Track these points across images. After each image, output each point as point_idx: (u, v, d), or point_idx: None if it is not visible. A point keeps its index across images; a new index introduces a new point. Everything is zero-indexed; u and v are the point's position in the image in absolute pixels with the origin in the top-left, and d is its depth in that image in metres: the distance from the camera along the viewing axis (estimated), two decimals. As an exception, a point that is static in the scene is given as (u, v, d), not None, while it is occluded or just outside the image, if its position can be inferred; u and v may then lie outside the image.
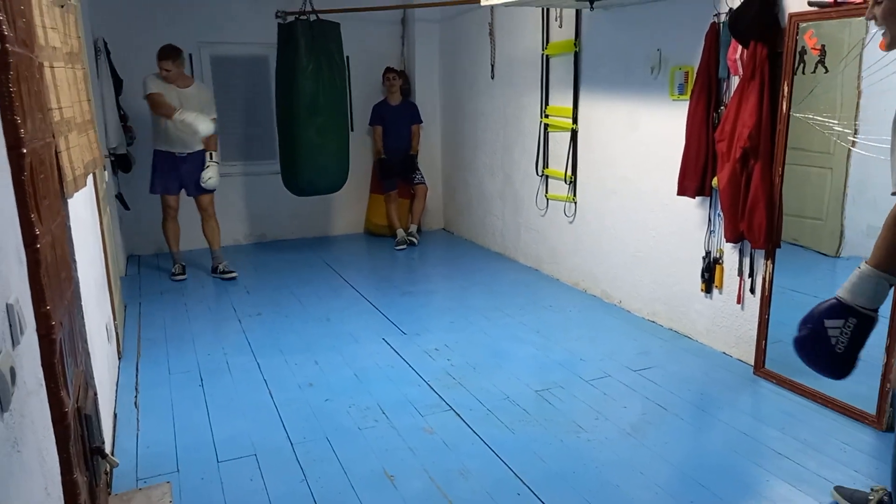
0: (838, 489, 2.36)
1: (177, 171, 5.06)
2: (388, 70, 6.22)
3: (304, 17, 5.02)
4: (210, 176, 5.11)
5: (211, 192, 5.19)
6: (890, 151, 1.60)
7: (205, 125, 4.73)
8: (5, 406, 1.06)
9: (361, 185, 6.48)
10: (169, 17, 5.65)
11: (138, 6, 5.53)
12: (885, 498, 2.20)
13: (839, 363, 1.57)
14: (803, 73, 3.04)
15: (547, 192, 5.10)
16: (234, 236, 6.26)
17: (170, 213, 5.18)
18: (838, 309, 1.56)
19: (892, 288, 1.57)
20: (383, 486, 2.48)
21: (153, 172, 5.10)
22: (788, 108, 3.07)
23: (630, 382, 3.31)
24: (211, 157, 5.11)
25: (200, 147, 5.06)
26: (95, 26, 4.92)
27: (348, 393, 3.25)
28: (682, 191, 3.62)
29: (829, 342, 1.55)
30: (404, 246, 6.09)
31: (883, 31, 1.66)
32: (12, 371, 1.09)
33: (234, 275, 5.22)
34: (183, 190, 5.16)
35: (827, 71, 3.00)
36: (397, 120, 6.21)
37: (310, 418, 3.00)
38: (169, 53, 4.83)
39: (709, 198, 3.60)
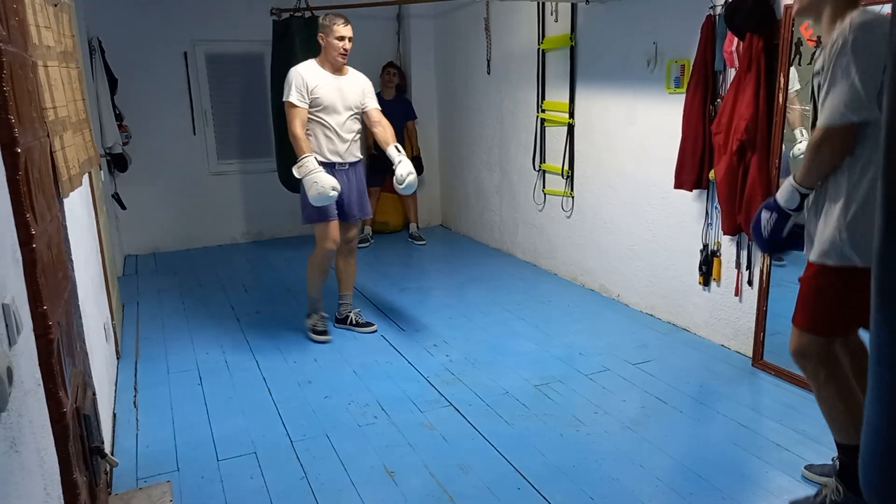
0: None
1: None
2: (390, 65, 6.21)
3: (300, 14, 5.00)
4: (409, 171, 3.61)
5: (364, 218, 4.00)
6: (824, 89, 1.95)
7: (329, 184, 3.45)
8: (2, 406, 1.05)
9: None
10: (163, 16, 5.63)
11: (133, 5, 5.51)
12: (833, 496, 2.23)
13: (765, 242, 2.25)
14: (799, 64, 3.04)
15: (544, 187, 5.09)
16: (231, 235, 6.26)
17: (329, 245, 3.73)
18: (770, 205, 2.20)
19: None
20: (384, 482, 2.49)
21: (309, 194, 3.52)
22: (785, 100, 3.07)
23: (629, 376, 3.32)
24: (398, 150, 3.70)
25: (360, 155, 3.87)
26: (90, 25, 4.91)
27: (347, 390, 3.25)
28: (680, 184, 3.62)
29: (760, 226, 2.22)
30: (367, 244, 6.05)
31: None
32: (9, 371, 1.09)
33: (373, 328, 4.00)
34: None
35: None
36: (390, 115, 6.16)
37: (309, 416, 3.00)
38: (347, 18, 3.61)
39: (706, 191, 3.60)
